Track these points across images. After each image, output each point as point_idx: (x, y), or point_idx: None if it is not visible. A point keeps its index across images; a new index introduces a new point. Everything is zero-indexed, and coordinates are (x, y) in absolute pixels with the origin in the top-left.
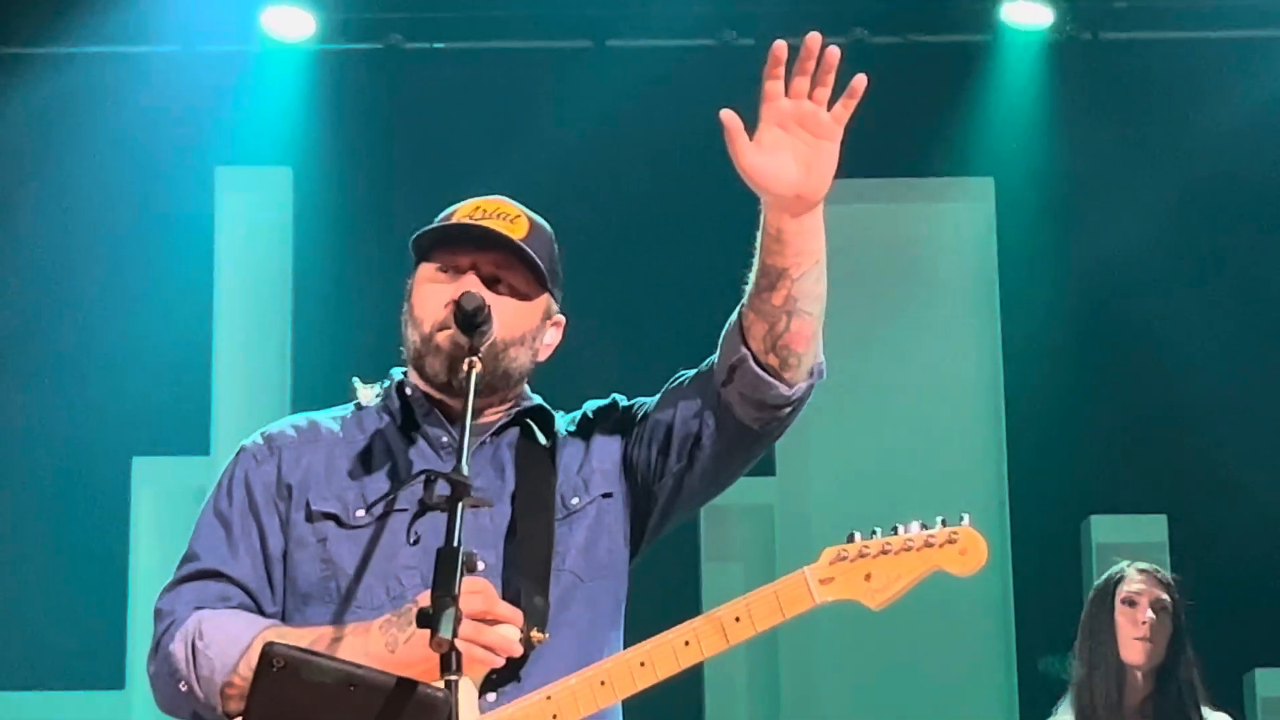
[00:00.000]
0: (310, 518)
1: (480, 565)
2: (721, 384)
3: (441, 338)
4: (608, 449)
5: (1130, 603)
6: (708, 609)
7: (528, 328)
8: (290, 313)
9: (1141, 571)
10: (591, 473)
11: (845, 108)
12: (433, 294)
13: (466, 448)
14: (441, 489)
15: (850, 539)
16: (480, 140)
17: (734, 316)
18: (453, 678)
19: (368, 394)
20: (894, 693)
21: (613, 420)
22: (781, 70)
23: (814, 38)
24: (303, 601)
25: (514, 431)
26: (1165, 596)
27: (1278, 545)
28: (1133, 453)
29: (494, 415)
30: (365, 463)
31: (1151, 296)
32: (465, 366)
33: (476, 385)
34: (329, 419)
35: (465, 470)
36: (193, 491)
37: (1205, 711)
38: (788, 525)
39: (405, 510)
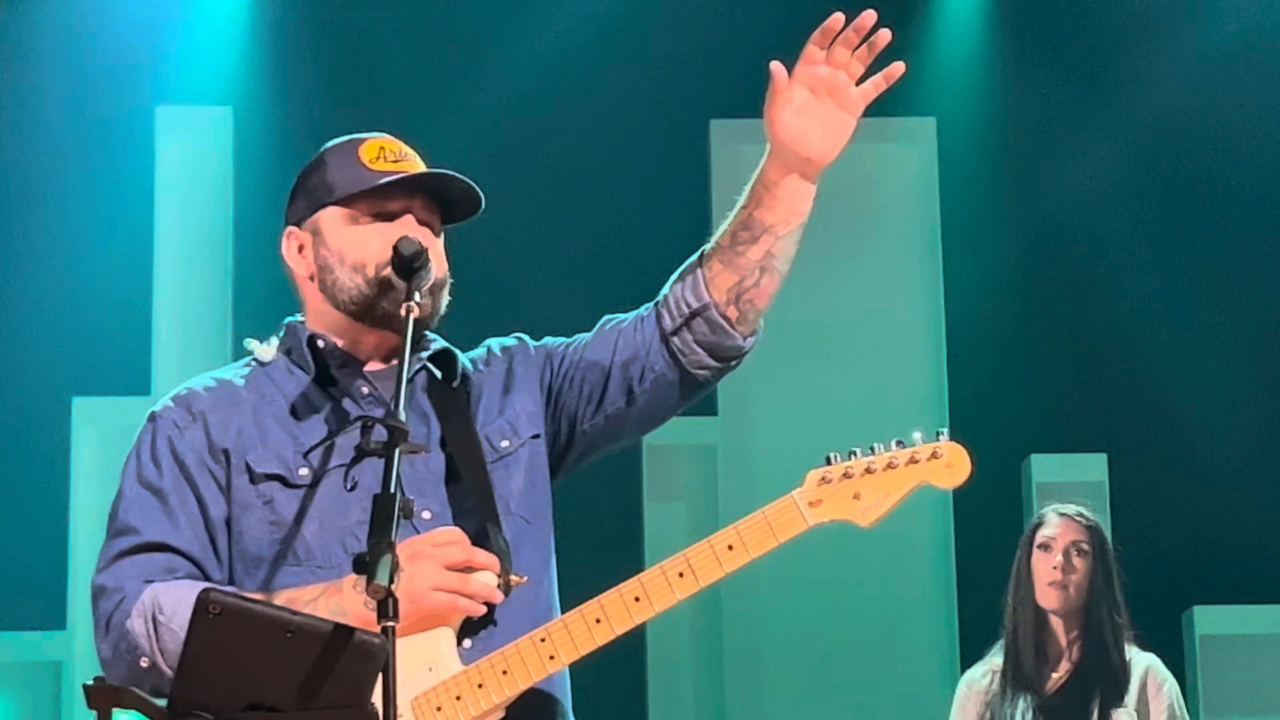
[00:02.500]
0: (254, 479)
1: (426, 514)
2: (672, 331)
3: (393, 279)
4: (529, 389)
5: (1045, 547)
6: (650, 549)
7: (446, 267)
8: (231, 253)
9: (1061, 515)
10: (517, 415)
11: (875, 88)
12: (368, 238)
13: (404, 393)
14: (378, 434)
15: (828, 461)
16: (424, 79)
17: (692, 265)
18: (390, 624)
19: (268, 350)
20: (835, 630)
21: (530, 360)
22: (830, 39)
23: (869, 15)
24: (253, 565)
25: (422, 376)
26: (1083, 539)
27: (1216, 484)
28: (1073, 392)
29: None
30: (295, 420)
31: (1093, 238)
32: (404, 312)
33: (416, 331)
34: (235, 377)
35: (402, 415)
36: (133, 432)
37: (1133, 652)
38: (730, 464)
39: (344, 465)
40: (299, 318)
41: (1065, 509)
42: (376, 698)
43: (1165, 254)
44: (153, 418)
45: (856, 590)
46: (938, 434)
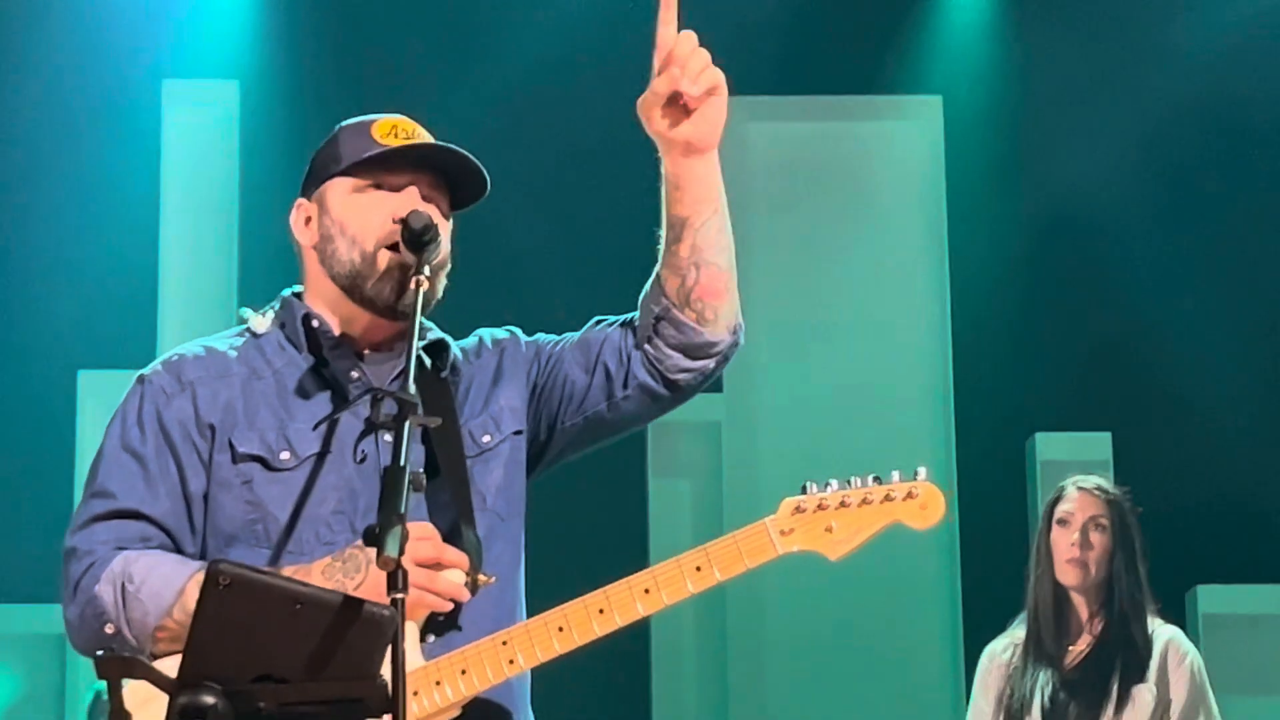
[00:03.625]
0: (235, 459)
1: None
2: (647, 339)
3: (386, 259)
4: (514, 384)
5: (1063, 522)
6: (654, 526)
7: (448, 250)
8: (237, 227)
9: (1080, 489)
10: (501, 410)
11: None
12: (368, 209)
13: (412, 366)
14: (389, 407)
15: (804, 490)
16: (430, 54)
17: (650, 279)
18: (399, 596)
19: (262, 321)
20: (839, 609)
21: (519, 356)
22: (673, 16)
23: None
24: (225, 543)
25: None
26: (1101, 513)
27: (1220, 463)
28: (1078, 371)
29: (398, 343)
30: (282, 402)
31: (1099, 217)
32: (413, 285)
33: (403, 304)
34: (227, 347)
35: (411, 388)
36: None
37: (1155, 625)
38: (735, 442)
39: (329, 453)
40: (296, 289)
41: (1084, 482)
42: (386, 669)
43: (1171, 233)
44: (141, 380)
45: (860, 569)
46: (915, 473)
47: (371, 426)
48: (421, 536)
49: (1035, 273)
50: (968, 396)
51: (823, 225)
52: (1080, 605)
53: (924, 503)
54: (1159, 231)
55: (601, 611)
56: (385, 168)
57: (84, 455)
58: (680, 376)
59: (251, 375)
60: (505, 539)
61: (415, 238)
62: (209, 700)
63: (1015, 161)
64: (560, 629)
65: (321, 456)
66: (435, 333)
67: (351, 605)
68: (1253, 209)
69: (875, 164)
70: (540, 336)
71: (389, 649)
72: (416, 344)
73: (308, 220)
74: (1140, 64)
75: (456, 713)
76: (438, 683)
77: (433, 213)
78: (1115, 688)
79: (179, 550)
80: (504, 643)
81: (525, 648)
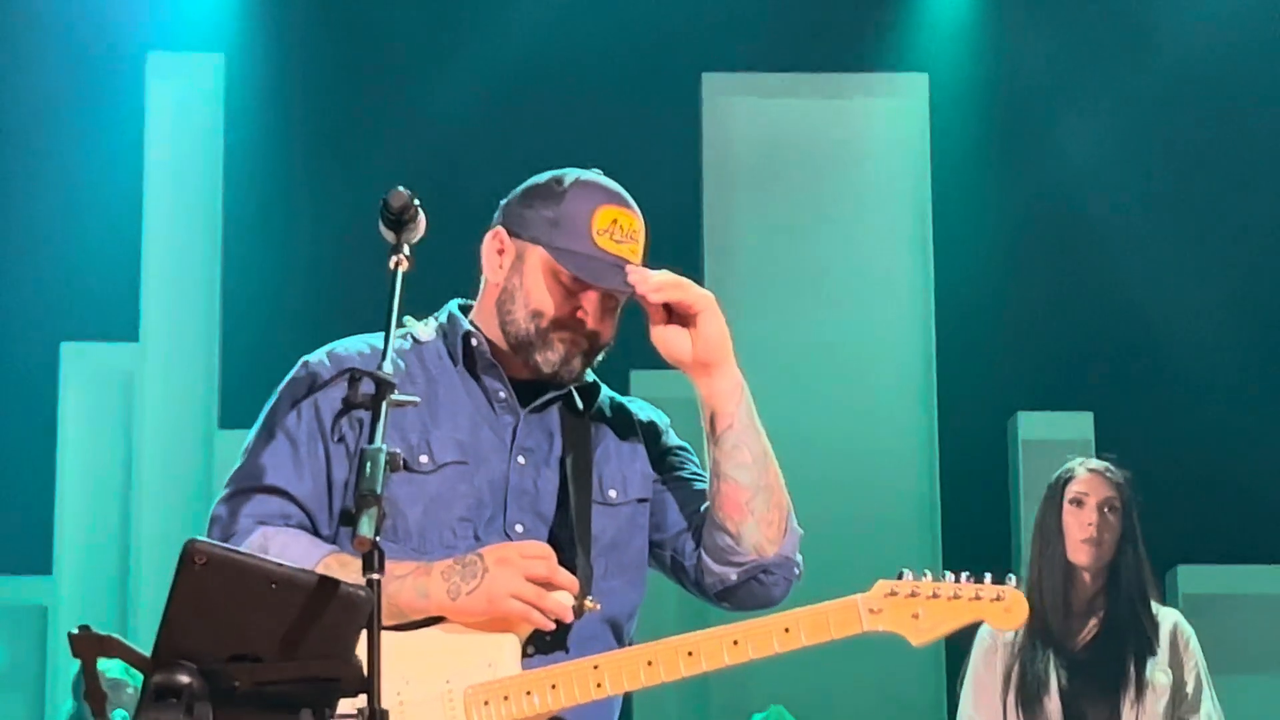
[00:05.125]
0: None
1: (519, 528)
2: (696, 538)
3: (562, 338)
4: (644, 465)
5: (1077, 502)
6: None
7: (613, 333)
8: (220, 200)
9: (1091, 470)
10: (634, 474)
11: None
12: (557, 293)
13: (390, 347)
14: (366, 387)
15: (900, 576)
16: (416, 30)
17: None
18: (375, 576)
19: (425, 330)
20: (821, 587)
21: (656, 450)
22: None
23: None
24: (352, 535)
25: (561, 402)
26: (1114, 494)
27: (1201, 443)
28: (1060, 350)
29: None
30: (430, 409)
31: (1083, 198)
32: (392, 264)
33: (566, 371)
34: (390, 349)
35: (388, 368)
36: (120, 377)
37: (1156, 608)
38: None
39: (465, 463)
40: (464, 302)
41: (1093, 464)
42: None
43: (1156, 213)
44: (305, 365)
45: (842, 550)
46: (1008, 578)
47: (348, 406)
48: (537, 555)
49: (1019, 252)
50: (950, 375)
51: (808, 203)
52: (1085, 586)
53: (1009, 607)
54: (1144, 211)
55: (690, 655)
56: (589, 275)
57: (66, 426)
58: (709, 582)
59: (406, 379)
60: (623, 580)
61: (395, 216)
62: (184, 679)
63: (1001, 140)
64: (649, 663)
65: (458, 465)
66: (590, 376)
67: (327, 585)
68: (1237, 189)
69: (861, 141)
70: (680, 453)
71: (365, 629)
72: (393, 323)
73: (500, 252)
74: (1127, 43)
75: None
76: (528, 693)
77: (606, 315)
78: (1131, 670)
79: (316, 532)
80: (595, 666)
81: (614, 675)
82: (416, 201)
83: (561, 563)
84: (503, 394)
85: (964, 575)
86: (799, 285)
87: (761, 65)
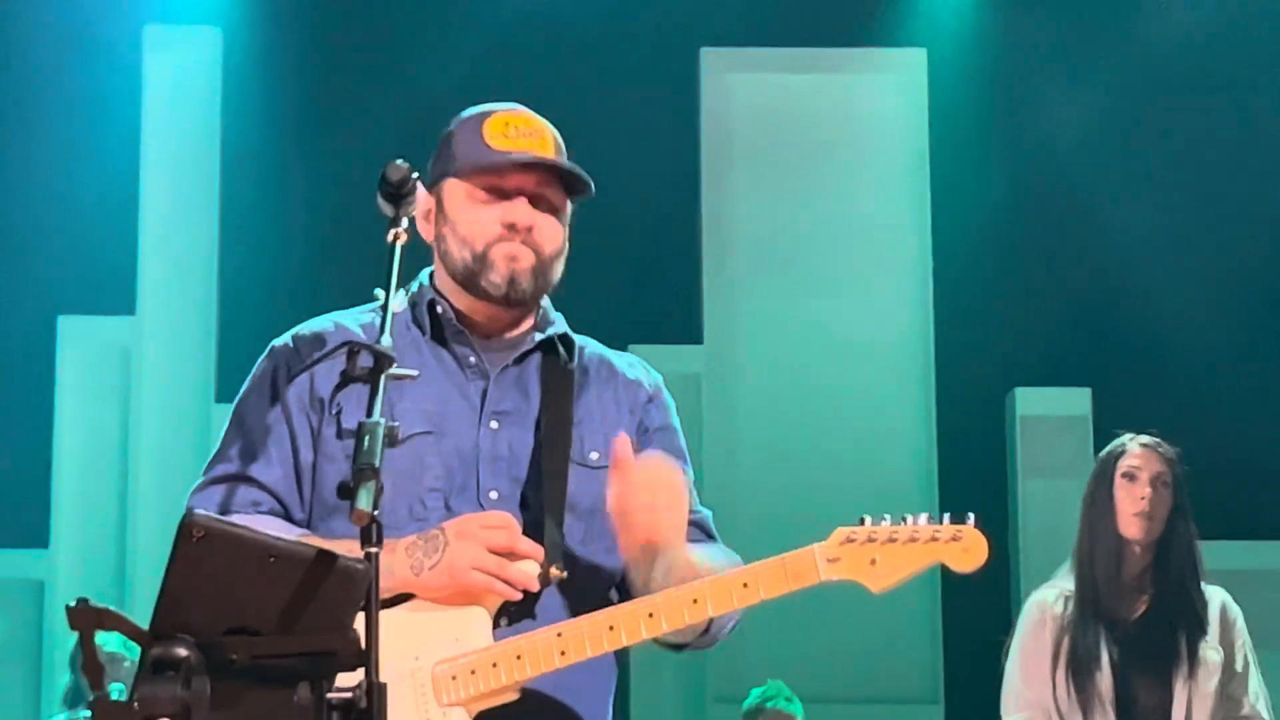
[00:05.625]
0: (340, 434)
1: (494, 494)
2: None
3: (497, 253)
4: (628, 428)
5: (1130, 477)
6: None
7: (564, 238)
8: (218, 173)
9: (1143, 445)
10: (617, 436)
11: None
12: (479, 215)
13: (388, 316)
14: (364, 360)
15: (861, 522)
16: (414, 2)
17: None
18: (373, 550)
19: (396, 301)
20: None
21: (638, 420)
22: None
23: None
24: (328, 514)
25: (538, 356)
26: (1166, 470)
27: (1199, 419)
28: (1058, 326)
29: (519, 331)
30: (396, 380)
31: (1081, 173)
32: (390, 237)
33: (515, 291)
34: (356, 325)
35: (386, 341)
36: (117, 351)
37: (1203, 586)
38: (714, 394)
39: (431, 434)
40: (433, 270)
41: (1144, 439)
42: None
43: (1153, 189)
44: (271, 352)
45: (840, 519)
46: (966, 517)
47: (346, 379)
48: (497, 525)
49: (1017, 228)
50: (948, 351)
51: (805, 178)
52: (1135, 561)
53: (967, 547)
54: (1141, 187)
55: (651, 615)
56: (496, 174)
57: (63, 400)
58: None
59: None
60: (604, 546)
61: (393, 190)
62: (182, 652)
63: (998, 115)
64: (611, 628)
65: (424, 436)
66: (559, 327)
67: (325, 559)
68: (1234, 165)
69: (859, 117)
70: (674, 427)
71: (363, 603)
72: (392, 296)
73: (428, 213)
74: (1124, 18)
75: (513, 696)
76: (494, 665)
77: (537, 214)
78: (1184, 648)
79: (288, 517)
80: (559, 634)
81: (576, 642)
82: (415, 174)
83: (538, 527)
84: (472, 359)
85: (923, 517)
86: (796, 260)
87: (760, 40)
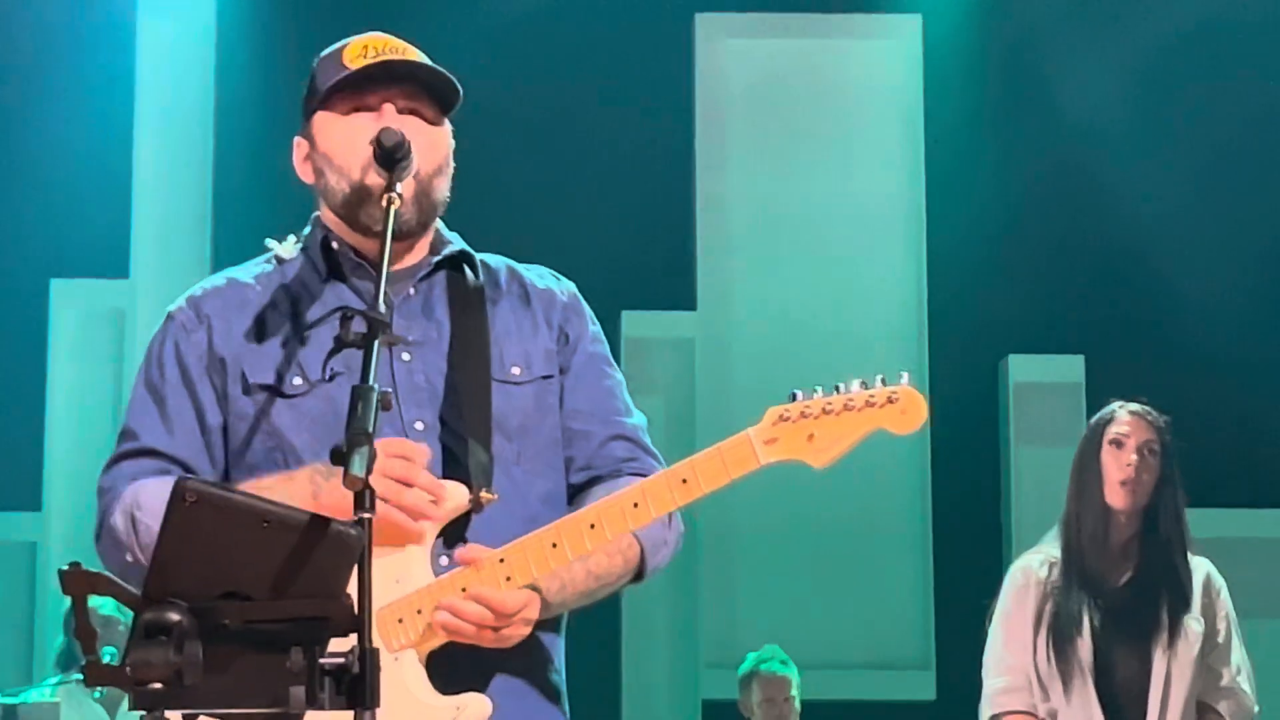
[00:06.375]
0: (248, 390)
1: (419, 425)
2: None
3: (374, 182)
4: (546, 340)
5: (1117, 444)
6: None
7: (444, 155)
8: (212, 135)
9: (1132, 413)
10: (536, 349)
11: None
12: (350, 137)
13: (384, 284)
14: (358, 326)
15: (792, 398)
16: None
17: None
18: (366, 515)
19: (289, 248)
20: (810, 526)
21: (571, 325)
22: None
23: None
24: (247, 472)
25: (441, 276)
26: (1154, 438)
27: (1192, 386)
28: (1052, 293)
29: (417, 257)
30: (296, 327)
31: (1077, 139)
32: (385, 203)
33: (397, 223)
34: (250, 277)
35: (382, 307)
36: (111, 314)
37: (1189, 557)
38: (708, 359)
39: (342, 374)
40: (318, 215)
41: (1133, 406)
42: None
43: (1149, 156)
44: (168, 318)
45: (834, 485)
46: (899, 377)
47: (339, 345)
48: (398, 454)
49: (1011, 195)
50: (942, 318)
51: (800, 144)
52: (1121, 528)
53: (904, 408)
54: (1137, 154)
55: (593, 526)
56: (358, 91)
57: (56, 363)
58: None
59: (269, 303)
60: (536, 466)
61: (387, 155)
62: (174, 616)
63: (993, 81)
64: (554, 544)
65: (340, 377)
66: (458, 244)
67: (318, 524)
68: (1232, 132)
69: (854, 82)
70: (595, 336)
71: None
72: (387, 259)
73: (305, 157)
74: None
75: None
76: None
77: (411, 124)
78: (1165, 616)
79: None
80: (501, 560)
81: (520, 564)
82: (409, 141)
83: (463, 454)
84: (374, 291)
85: (856, 383)
86: (790, 227)
87: (755, 5)
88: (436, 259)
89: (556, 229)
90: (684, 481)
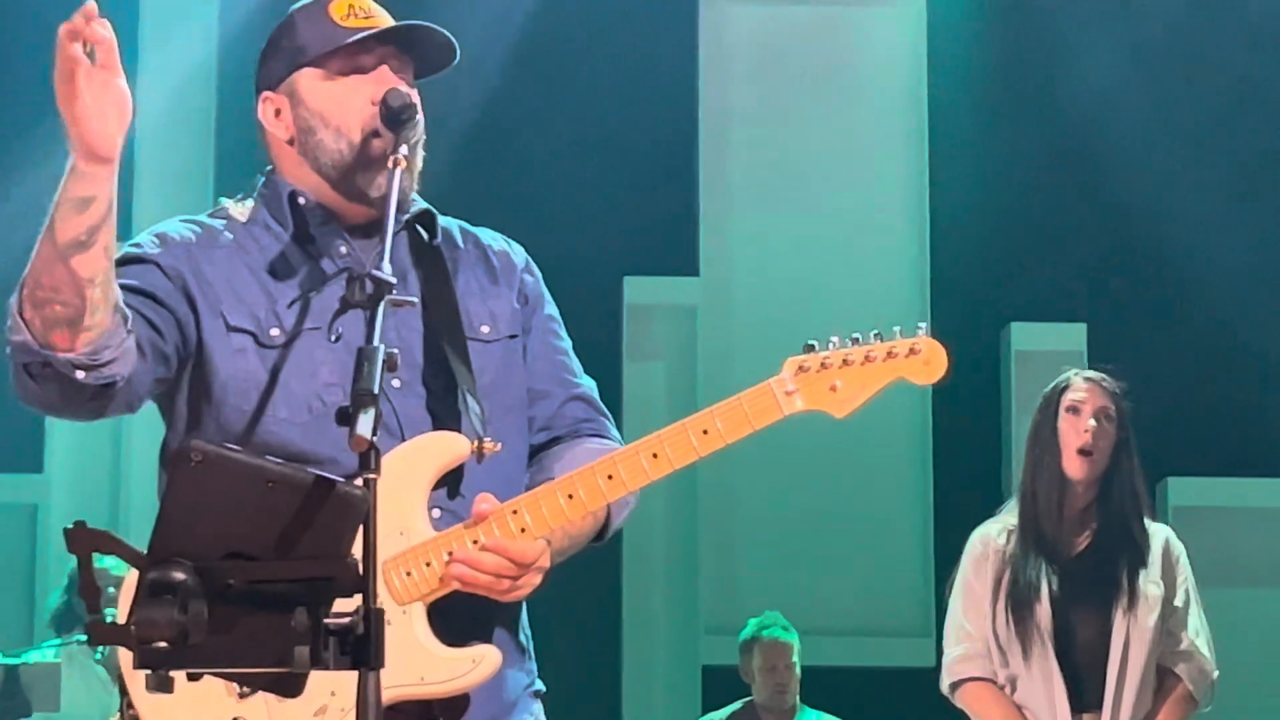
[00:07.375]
0: (229, 328)
1: (396, 383)
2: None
3: (375, 146)
4: (510, 300)
5: (1073, 410)
6: (629, 409)
7: (421, 123)
8: (215, 96)
9: (1087, 380)
10: (501, 309)
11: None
12: (347, 97)
13: (389, 246)
14: (365, 287)
15: (808, 349)
16: None
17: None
18: (371, 476)
19: (243, 210)
20: (811, 495)
21: (528, 291)
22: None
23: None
24: (221, 389)
25: (403, 236)
26: (1110, 405)
27: (1193, 356)
28: (1054, 262)
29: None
30: (271, 277)
31: (1080, 108)
32: (390, 164)
33: (402, 185)
34: (216, 224)
35: (387, 268)
36: None
37: (1147, 522)
38: (710, 326)
39: (318, 329)
40: (272, 170)
41: (1090, 374)
42: (357, 549)
43: (1152, 126)
44: (133, 245)
45: (834, 455)
46: (918, 329)
47: (346, 305)
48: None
49: (1014, 163)
50: (944, 285)
51: (804, 111)
52: (1078, 495)
53: (927, 358)
54: (1140, 123)
55: (610, 477)
56: (353, 51)
57: None
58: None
59: (239, 250)
60: (510, 423)
61: (394, 116)
62: (179, 576)
63: (998, 48)
64: (570, 496)
65: (312, 331)
66: (420, 203)
67: (323, 484)
68: (1235, 101)
69: (858, 48)
70: (549, 310)
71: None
72: (391, 222)
73: (278, 112)
74: None
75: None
76: (450, 553)
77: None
78: (1124, 580)
79: (155, 329)
80: (514, 511)
81: (535, 514)
82: (416, 100)
83: (446, 408)
84: (344, 249)
85: (872, 335)
86: (793, 195)
87: None
88: (405, 217)
89: (559, 195)
90: (705, 432)
